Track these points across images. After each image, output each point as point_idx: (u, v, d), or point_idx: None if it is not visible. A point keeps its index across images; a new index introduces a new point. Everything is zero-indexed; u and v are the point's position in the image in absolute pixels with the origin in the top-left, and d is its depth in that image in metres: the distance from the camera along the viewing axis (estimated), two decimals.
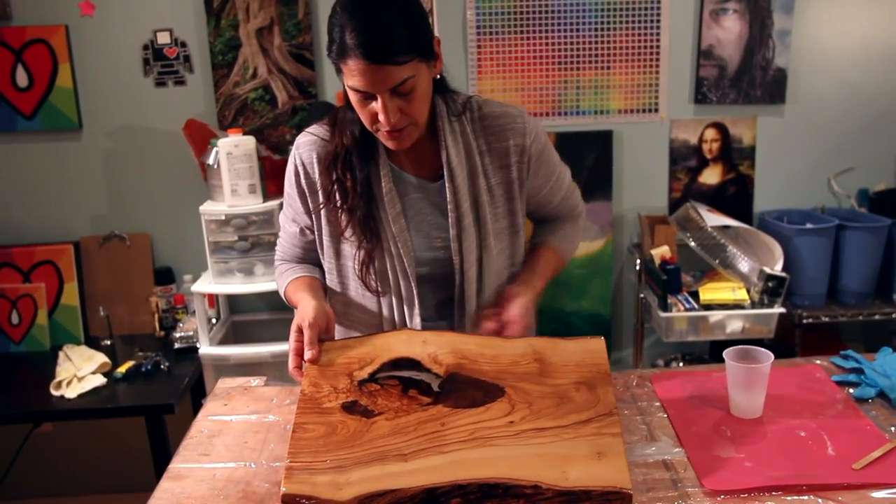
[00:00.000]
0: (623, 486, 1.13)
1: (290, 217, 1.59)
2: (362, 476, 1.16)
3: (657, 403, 1.47)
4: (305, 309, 1.40)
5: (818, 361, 1.61)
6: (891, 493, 1.16)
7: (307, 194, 1.51)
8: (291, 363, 1.35)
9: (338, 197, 1.47)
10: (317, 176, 1.49)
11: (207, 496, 1.23)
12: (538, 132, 1.53)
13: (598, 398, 1.27)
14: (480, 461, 1.17)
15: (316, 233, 1.55)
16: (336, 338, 1.63)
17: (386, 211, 1.46)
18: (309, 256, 1.62)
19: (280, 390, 1.58)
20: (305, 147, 1.50)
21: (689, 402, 1.46)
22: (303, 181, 1.51)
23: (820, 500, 1.15)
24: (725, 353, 1.40)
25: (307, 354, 1.34)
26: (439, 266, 1.51)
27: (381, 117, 1.33)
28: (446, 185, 1.46)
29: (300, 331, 1.37)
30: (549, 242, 1.67)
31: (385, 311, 1.53)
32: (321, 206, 1.50)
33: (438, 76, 1.44)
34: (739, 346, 1.42)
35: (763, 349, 1.40)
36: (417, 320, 1.51)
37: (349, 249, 1.51)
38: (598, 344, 1.36)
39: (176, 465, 1.32)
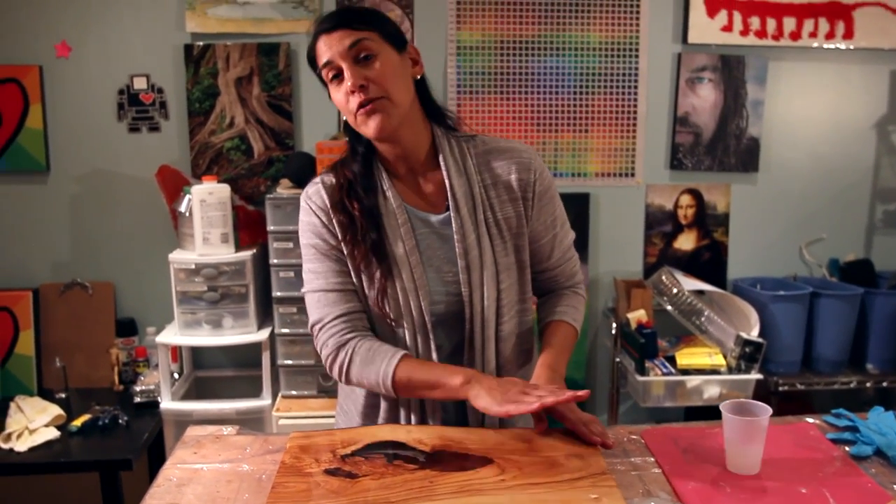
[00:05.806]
0: None
1: (333, 272, 1.46)
2: None
3: (651, 459, 1.41)
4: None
5: (810, 420, 1.58)
6: None
7: (338, 234, 1.45)
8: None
9: (348, 229, 1.44)
10: (333, 215, 1.45)
11: None
12: (544, 171, 1.51)
13: (590, 464, 1.27)
14: None
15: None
16: None
17: (403, 245, 1.43)
18: (360, 309, 1.48)
19: (254, 440, 1.48)
20: (316, 194, 1.47)
21: (684, 457, 1.41)
22: (334, 223, 1.44)
23: None
24: (722, 406, 1.36)
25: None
26: (453, 300, 1.47)
27: (347, 83, 1.34)
28: (452, 215, 1.44)
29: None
30: (559, 315, 1.60)
31: (404, 341, 1.48)
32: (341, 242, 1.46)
33: (419, 78, 1.45)
34: (735, 400, 1.38)
35: (760, 403, 1.36)
36: (434, 355, 1.46)
37: (364, 282, 1.46)
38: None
39: None
